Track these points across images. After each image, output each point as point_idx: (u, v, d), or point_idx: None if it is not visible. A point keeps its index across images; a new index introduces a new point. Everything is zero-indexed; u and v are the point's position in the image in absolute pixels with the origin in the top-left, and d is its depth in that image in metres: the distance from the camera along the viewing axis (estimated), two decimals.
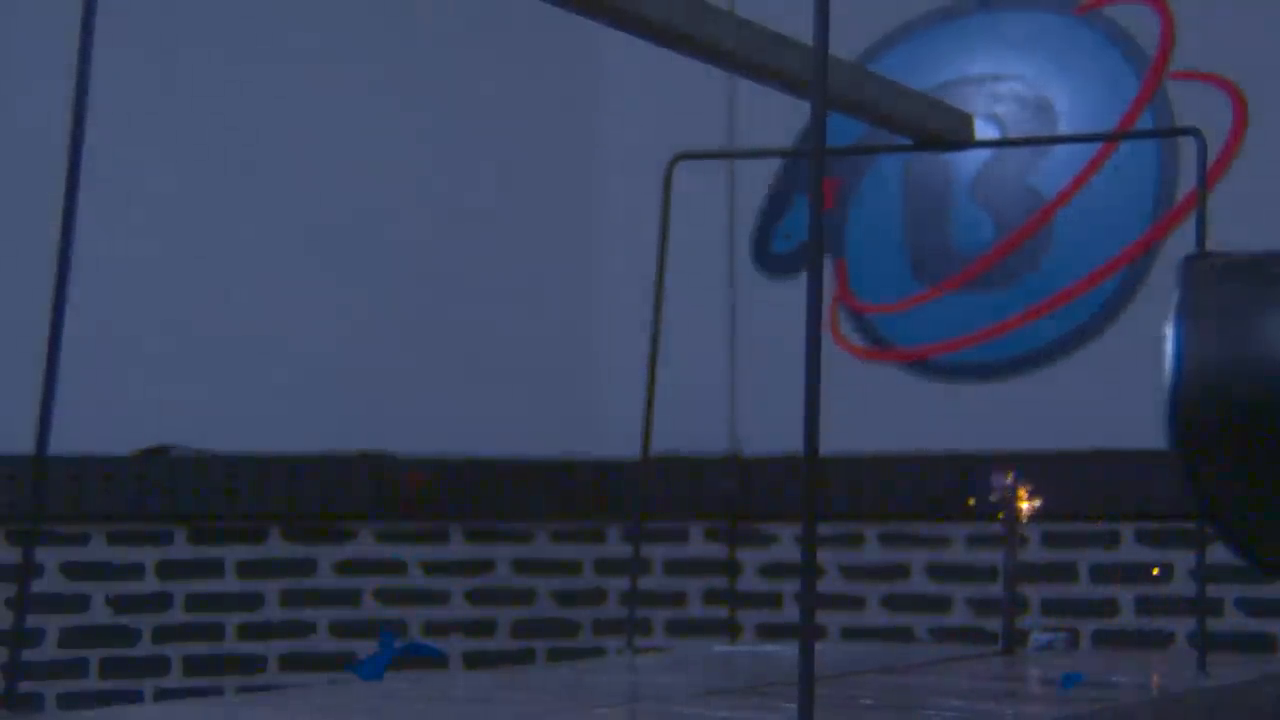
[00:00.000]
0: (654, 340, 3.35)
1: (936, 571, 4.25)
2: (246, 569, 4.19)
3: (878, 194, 4.39)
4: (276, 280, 4.28)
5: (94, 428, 3.88)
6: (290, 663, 4.19)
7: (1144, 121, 4.17)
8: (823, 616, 4.22)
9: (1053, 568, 4.13)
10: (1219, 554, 2.46)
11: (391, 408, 4.32)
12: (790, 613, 4.28)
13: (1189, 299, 1.86)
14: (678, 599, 4.44)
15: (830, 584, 4.29)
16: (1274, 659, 3.92)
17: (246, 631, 4.18)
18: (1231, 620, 3.98)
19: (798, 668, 1.95)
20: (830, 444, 3.58)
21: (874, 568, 4.30)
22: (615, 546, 4.46)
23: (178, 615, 4.13)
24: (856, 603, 4.30)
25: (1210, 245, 2.97)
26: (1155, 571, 3.87)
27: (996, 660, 3.19)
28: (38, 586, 3.95)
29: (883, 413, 4.30)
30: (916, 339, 4.32)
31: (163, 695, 4.05)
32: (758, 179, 4.47)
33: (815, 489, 1.98)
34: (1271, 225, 3.86)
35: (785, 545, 4.38)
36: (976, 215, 4.29)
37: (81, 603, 4.06)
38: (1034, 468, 3.26)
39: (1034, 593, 4.12)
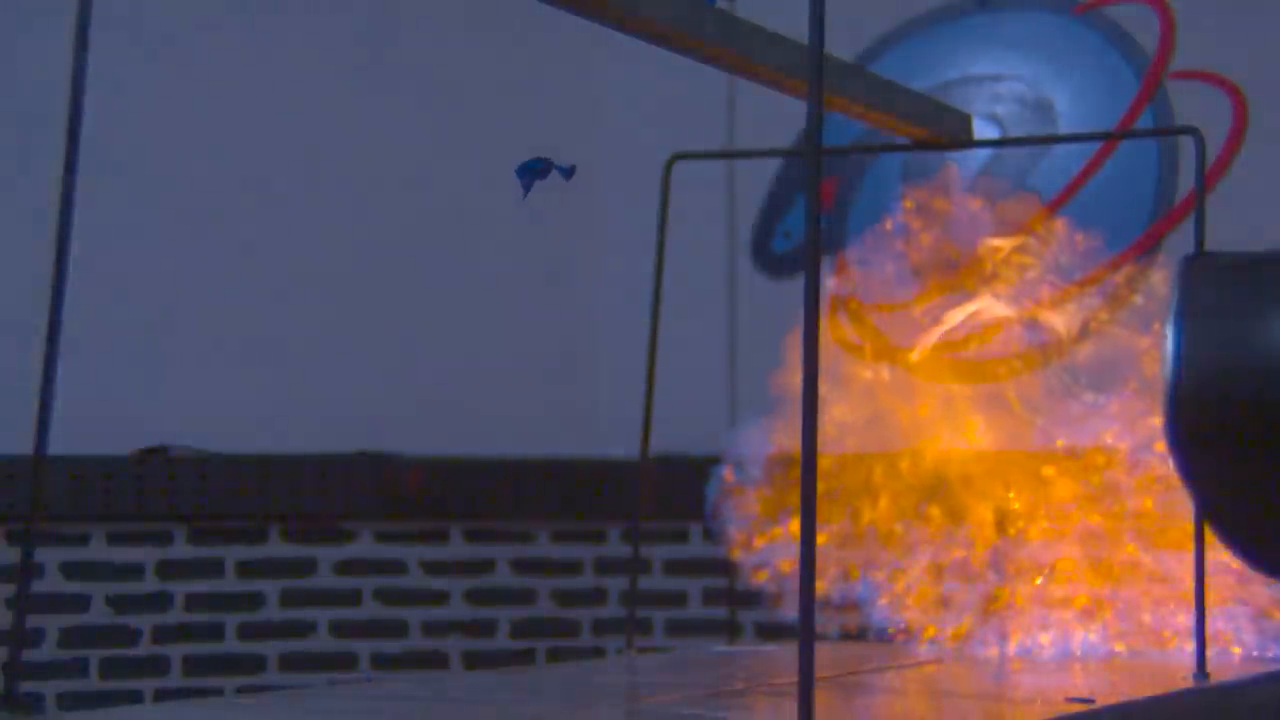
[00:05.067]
0: (653, 340, 3.36)
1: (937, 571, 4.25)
2: (246, 569, 4.19)
3: (878, 193, 4.39)
4: (276, 280, 4.28)
5: (94, 428, 3.88)
6: (290, 663, 4.19)
7: (1144, 121, 4.17)
8: (823, 616, 4.21)
9: None
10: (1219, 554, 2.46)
11: (391, 408, 4.31)
12: (790, 613, 4.28)
13: (1188, 299, 1.86)
14: (678, 599, 4.44)
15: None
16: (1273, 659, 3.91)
17: (246, 631, 4.18)
18: (1230, 620, 3.97)
19: (798, 668, 1.95)
20: (830, 444, 3.58)
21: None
22: (615, 546, 4.45)
23: (178, 615, 4.13)
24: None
25: (1210, 245, 2.97)
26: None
27: (995, 660, 3.19)
28: (38, 586, 3.95)
29: (882, 412, 4.29)
30: (917, 339, 4.32)
31: (163, 695, 4.05)
32: (758, 178, 4.47)
33: (814, 489, 1.98)
34: (1271, 225, 3.85)
35: (785, 545, 4.37)
36: (977, 215, 4.29)
37: (81, 603, 4.06)
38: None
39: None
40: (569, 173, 2.51)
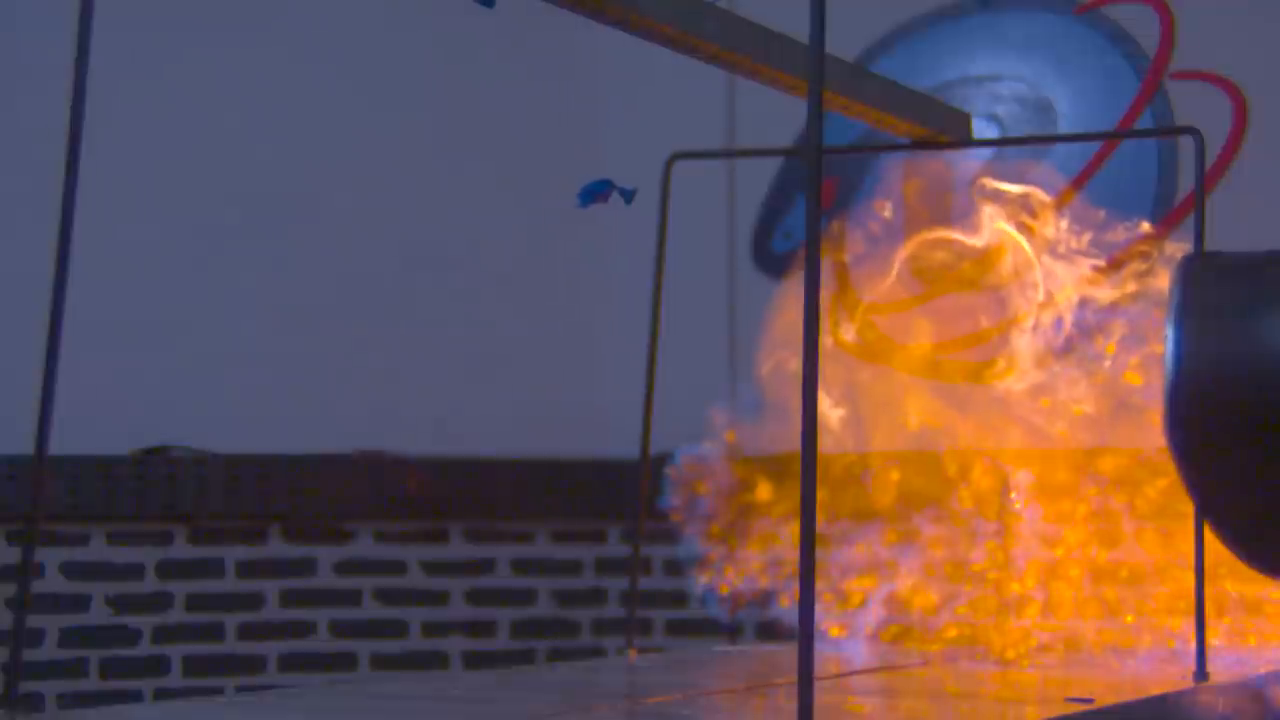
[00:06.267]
0: (653, 340, 3.36)
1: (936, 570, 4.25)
2: (246, 569, 4.19)
3: (877, 193, 4.38)
4: (277, 280, 4.28)
5: (94, 428, 3.88)
6: (290, 663, 4.19)
7: (1144, 121, 4.16)
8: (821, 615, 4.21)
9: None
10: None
11: (391, 408, 4.31)
12: (790, 612, 4.28)
13: (1188, 299, 1.86)
14: (678, 599, 4.44)
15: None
16: (1273, 659, 3.92)
17: (246, 631, 4.18)
18: (1229, 620, 3.98)
19: (797, 668, 1.95)
20: (830, 443, 3.58)
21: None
22: (615, 546, 4.45)
23: (178, 615, 4.13)
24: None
25: (1210, 245, 2.97)
26: None
27: (995, 661, 3.19)
28: (38, 586, 3.95)
29: (882, 412, 4.29)
30: (916, 338, 4.32)
31: (163, 695, 4.05)
32: (757, 178, 4.47)
33: (814, 488, 1.98)
34: (1271, 225, 3.85)
35: (785, 545, 4.37)
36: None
37: (81, 603, 4.06)
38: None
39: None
40: (630, 196, 2.53)
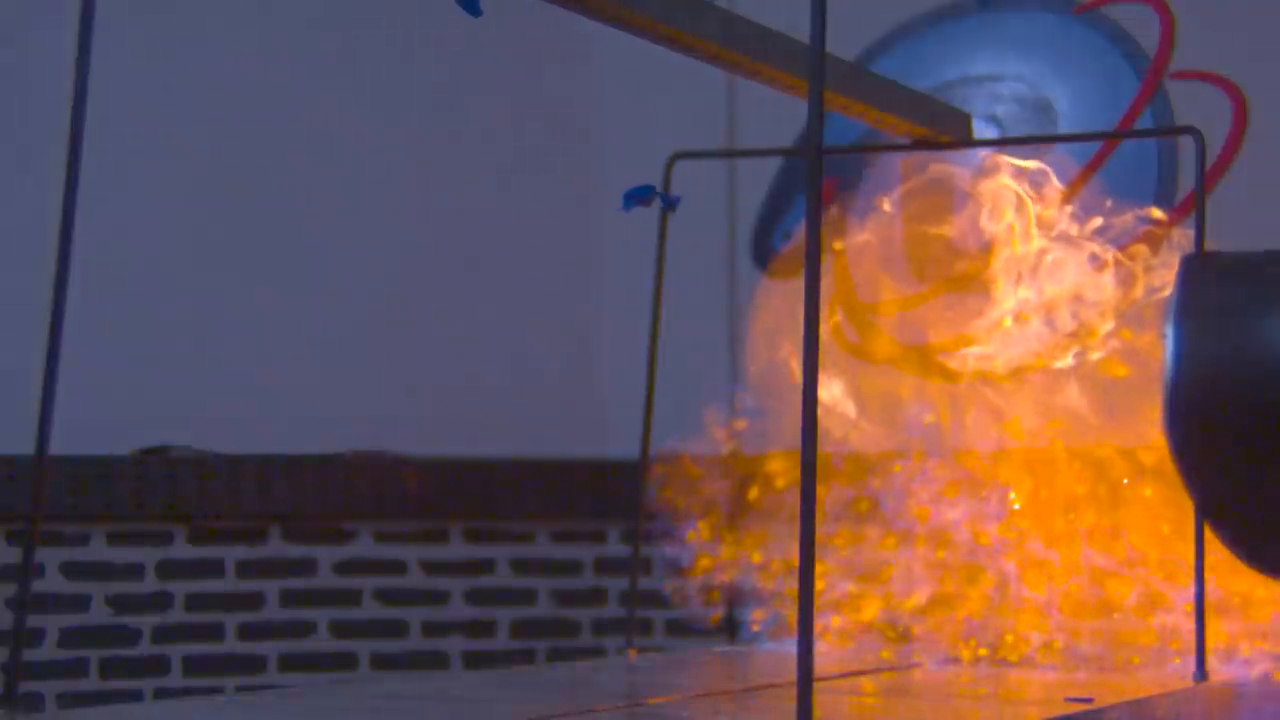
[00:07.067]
0: (653, 340, 3.36)
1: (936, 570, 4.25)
2: (246, 569, 4.19)
3: (877, 193, 4.38)
4: (276, 280, 4.28)
5: (94, 428, 3.88)
6: (290, 663, 4.19)
7: (1144, 121, 4.16)
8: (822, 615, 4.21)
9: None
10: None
11: (391, 408, 4.32)
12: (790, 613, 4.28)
13: (1188, 299, 1.86)
14: (678, 599, 4.44)
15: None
16: (1272, 659, 3.92)
17: (246, 631, 4.18)
18: (1228, 620, 3.98)
19: (797, 668, 1.95)
20: (830, 443, 3.58)
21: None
22: (615, 546, 4.45)
23: (178, 615, 4.13)
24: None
25: (1210, 245, 2.97)
26: None
27: (994, 661, 3.19)
28: (38, 586, 3.95)
29: (880, 409, 4.29)
30: (917, 338, 4.32)
31: (163, 695, 4.05)
32: (758, 178, 4.47)
33: (814, 488, 1.98)
34: (1271, 225, 3.85)
35: (785, 544, 4.37)
36: (977, 214, 4.29)
37: (81, 603, 4.06)
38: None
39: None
40: (673, 203, 2.56)
